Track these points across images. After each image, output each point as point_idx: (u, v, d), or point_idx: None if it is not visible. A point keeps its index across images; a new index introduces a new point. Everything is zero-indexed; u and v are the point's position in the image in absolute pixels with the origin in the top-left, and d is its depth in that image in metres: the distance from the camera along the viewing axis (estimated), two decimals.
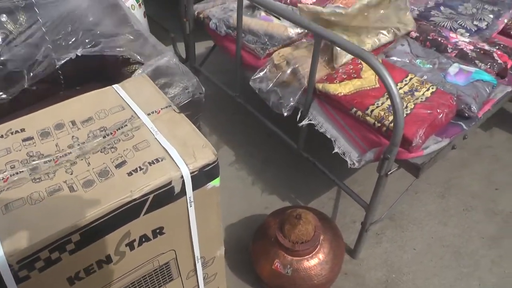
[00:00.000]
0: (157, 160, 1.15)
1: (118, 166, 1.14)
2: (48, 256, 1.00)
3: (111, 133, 1.23)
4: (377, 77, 1.76)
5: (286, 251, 1.76)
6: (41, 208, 1.03)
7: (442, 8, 2.44)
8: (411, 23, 2.19)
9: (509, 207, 2.33)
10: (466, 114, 1.82)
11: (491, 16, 2.35)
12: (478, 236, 2.19)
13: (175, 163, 1.14)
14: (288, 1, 2.44)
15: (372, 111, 1.69)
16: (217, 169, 1.21)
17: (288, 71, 1.94)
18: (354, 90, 1.80)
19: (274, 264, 1.75)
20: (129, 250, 1.18)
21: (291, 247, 1.73)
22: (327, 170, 2.02)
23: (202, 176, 1.17)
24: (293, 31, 2.15)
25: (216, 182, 1.24)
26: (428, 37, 2.17)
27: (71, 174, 1.12)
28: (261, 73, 2.05)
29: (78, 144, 1.21)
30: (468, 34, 2.25)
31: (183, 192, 1.16)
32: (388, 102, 1.71)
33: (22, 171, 1.12)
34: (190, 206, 1.21)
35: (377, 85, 1.80)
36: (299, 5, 1.99)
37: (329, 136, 1.85)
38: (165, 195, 1.14)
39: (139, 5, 2.75)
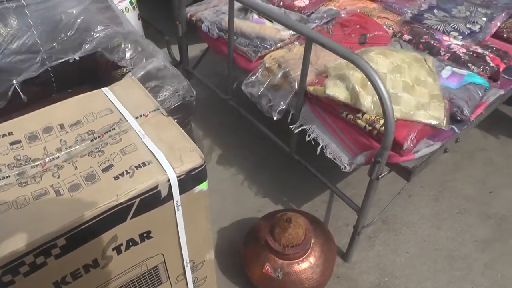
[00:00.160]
0: (143, 164, 1.14)
1: (105, 170, 1.13)
2: (33, 260, 1.00)
3: (99, 137, 1.23)
4: None
5: (277, 255, 1.75)
6: (26, 212, 1.03)
7: (435, 11, 2.44)
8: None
9: (503, 210, 2.33)
10: (458, 118, 1.81)
11: (484, 19, 2.35)
12: (471, 240, 2.19)
13: (162, 167, 1.13)
14: (281, 3, 2.44)
15: (363, 114, 1.69)
16: (205, 173, 1.20)
17: (279, 75, 1.93)
18: None
19: (265, 268, 1.75)
20: (116, 254, 1.18)
21: (282, 251, 1.72)
22: (320, 173, 2.01)
23: (189, 180, 1.17)
24: (285, 33, 2.15)
25: (203, 186, 1.23)
26: (421, 40, 2.17)
27: (58, 178, 1.12)
28: (253, 77, 2.04)
29: (66, 148, 1.20)
30: (461, 37, 2.25)
31: (170, 196, 1.16)
32: None
33: (9, 176, 1.11)
34: (178, 210, 1.21)
35: None
36: None
37: (320, 142, 1.85)
38: (152, 199, 1.13)
39: (133, 7, 2.75)
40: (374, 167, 1.60)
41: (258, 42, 2.14)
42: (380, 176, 1.65)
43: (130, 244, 1.19)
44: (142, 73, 1.70)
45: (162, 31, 3.37)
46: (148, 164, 1.14)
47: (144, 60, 1.76)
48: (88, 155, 1.18)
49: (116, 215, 1.08)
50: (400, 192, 2.08)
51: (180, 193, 1.17)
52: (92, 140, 1.22)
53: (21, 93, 1.73)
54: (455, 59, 2.07)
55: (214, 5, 2.50)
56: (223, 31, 2.25)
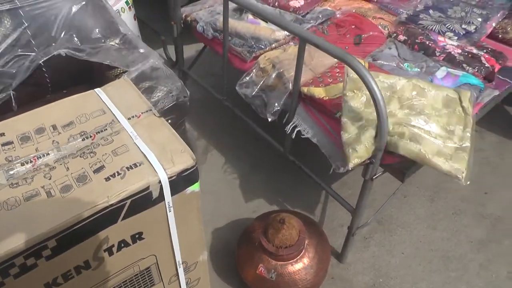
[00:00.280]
0: (135, 165, 1.14)
1: (97, 171, 1.13)
2: (23, 262, 0.99)
3: (90, 136, 1.22)
4: None
5: (270, 256, 1.75)
6: (17, 213, 1.02)
7: (431, 11, 2.44)
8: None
9: (498, 210, 2.33)
10: None
11: (480, 19, 2.35)
12: (466, 240, 2.19)
13: (153, 168, 1.13)
14: (276, 4, 2.44)
15: None
16: (196, 174, 1.20)
17: (274, 75, 1.93)
18: (339, 94, 1.79)
19: (258, 269, 1.74)
20: (108, 255, 1.17)
21: (275, 252, 1.72)
22: (315, 173, 2.01)
23: (180, 181, 1.17)
24: (280, 34, 2.15)
25: (195, 187, 1.23)
26: (416, 41, 2.18)
27: (50, 179, 1.11)
28: (247, 78, 2.04)
29: (58, 149, 1.20)
30: (457, 38, 2.25)
31: (161, 197, 1.15)
32: None
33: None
34: (169, 211, 1.20)
35: None
36: None
37: (315, 141, 1.85)
38: (143, 200, 1.13)
39: (129, 7, 2.74)
40: (368, 168, 1.60)
41: (253, 43, 2.14)
42: (374, 177, 1.65)
43: (122, 245, 1.18)
44: (136, 73, 1.69)
45: (158, 31, 3.37)
46: (140, 165, 1.14)
47: (138, 61, 1.76)
48: (80, 156, 1.17)
49: (107, 216, 1.08)
50: (395, 192, 2.07)
51: (172, 194, 1.17)
52: (83, 140, 1.21)
53: (13, 101, 1.72)
54: (450, 60, 2.07)
55: (209, 5, 2.50)
56: (218, 32, 2.25)
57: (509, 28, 2.36)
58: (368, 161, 1.59)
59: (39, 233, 0.98)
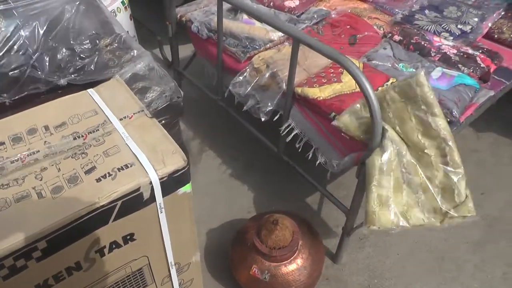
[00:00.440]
0: (126, 166, 1.13)
1: (88, 172, 1.13)
2: (13, 263, 0.99)
3: (81, 136, 1.22)
4: None
5: (264, 257, 1.74)
6: (7, 215, 1.02)
7: (426, 11, 2.44)
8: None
9: (494, 211, 2.33)
10: (448, 119, 1.80)
11: (476, 19, 2.35)
12: (462, 241, 2.18)
13: (144, 169, 1.13)
14: (271, 4, 2.43)
15: None
16: (188, 175, 1.19)
17: (267, 75, 1.93)
18: (333, 94, 1.78)
19: (252, 270, 1.74)
20: (100, 256, 1.17)
21: (268, 253, 1.72)
22: (311, 173, 2.00)
23: (171, 182, 1.16)
24: (274, 34, 2.14)
25: (187, 188, 1.22)
26: (412, 41, 2.17)
27: (41, 180, 1.11)
28: (241, 77, 2.04)
29: (50, 148, 1.19)
30: (452, 38, 2.24)
31: (152, 198, 1.15)
32: None
33: None
34: (161, 212, 1.20)
35: (357, 89, 1.78)
36: None
37: (312, 143, 1.84)
38: (134, 201, 1.12)
39: (125, 8, 2.73)
40: (362, 169, 1.60)
41: (247, 43, 2.14)
42: None
43: (114, 246, 1.18)
44: (129, 74, 1.69)
45: (154, 31, 3.37)
46: (131, 166, 1.13)
47: (131, 61, 1.75)
48: (71, 157, 1.17)
49: (98, 218, 1.08)
50: None
51: (163, 196, 1.17)
52: (75, 139, 1.21)
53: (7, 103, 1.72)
54: (445, 60, 2.07)
55: (204, 6, 2.50)
56: (212, 32, 2.24)
57: (505, 28, 2.35)
58: (361, 162, 1.58)
59: (29, 234, 0.98)
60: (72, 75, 1.71)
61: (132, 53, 1.79)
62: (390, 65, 2.02)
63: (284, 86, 1.85)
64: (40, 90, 1.77)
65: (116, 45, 1.84)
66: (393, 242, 2.16)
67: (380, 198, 1.52)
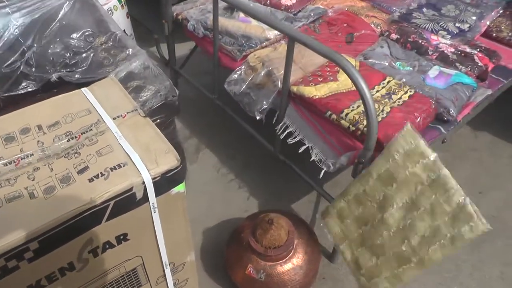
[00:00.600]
0: (119, 166, 1.13)
1: (80, 172, 1.12)
2: (4, 264, 0.98)
3: (75, 137, 1.21)
4: None
5: (259, 256, 1.73)
6: None
7: (424, 9, 2.43)
8: None
9: (492, 210, 2.32)
10: (445, 118, 1.81)
11: (474, 18, 2.35)
12: None
13: (137, 168, 1.12)
14: (268, 2, 2.42)
15: (347, 114, 1.67)
16: (181, 174, 1.18)
17: (262, 73, 1.92)
18: (329, 93, 1.78)
19: (247, 269, 1.73)
20: (93, 257, 1.17)
21: (264, 252, 1.71)
22: (307, 172, 1.99)
23: (164, 182, 1.15)
24: (271, 32, 2.13)
25: (181, 188, 1.22)
26: (409, 39, 2.16)
27: (33, 180, 1.10)
28: (236, 75, 2.03)
29: (43, 150, 1.18)
30: (450, 36, 2.24)
31: (145, 198, 1.14)
32: None
33: None
34: (154, 212, 1.19)
35: (353, 88, 1.77)
36: None
37: (306, 143, 1.84)
38: (127, 202, 1.12)
39: (122, 5, 2.72)
40: (357, 168, 1.59)
41: (243, 41, 2.13)
42: None
43: (107, 246, 1.18)
44: (124, 73, 1.68)
45: (151, 29, 3.35)
46: (124, 166, 1.13)
47: (126, 60, 1.74)
48: (64, 157, 1.16)
49: (91, 218, 1.07)
50: None
51: (156, 195, 1.16)
52: (68, 140, 1.20)
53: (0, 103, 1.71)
54: (443, 59, 2.06)
55: (201, 3, 2.48)
56: (209, 30, 2.23)
57: (503, 27, 2.35)
58: (357, 161, 1.58)
59: (21, 235, 0.97)
60: (64, 71, 1.71)
61: (127, 52, 1.79)
62: (387, 64, 2.01)
63: (279, 85, 1.84)
64: (34, 88, 1.77)
65: (111, 43, 1.83)
66: None
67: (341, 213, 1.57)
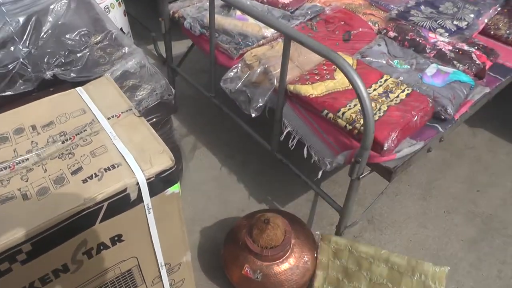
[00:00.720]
0: (113, 167, 1.12)
1: (74, 172, 1.11)
2: None
3: (70, 138, 1.20)
4: None
5: (256, 256, 1.72)
6: None
7: (422, 7, 2.42)
8: None
9: (489, 209, 2.32)
10: (442, 116, 1.79)
11: (472, 15, 2.34)
12: (457, 239, 2.17)
13: (131, 169, 1.11)
14: (265, 0, 2.41)
15: (343, 113, 1.66)
16: (175, 175, 1.18)
17: (258, 71, 1.91)
18: (326, 91, 1.77)
19: (244, 269, 1.72)
20: (87, 258, 1.16)
21: (260, 252, 1.70)
22: (305, 171, 1.98)
23: (159, 183, 1.15)
24: (268, 30, 2.12)
25: (175, 188, 1.21)
26: (407, 37, 2.15)
27: (27, 181, 1.09)
28: (232, 73, 2.02)
29: (37, 150, 1.18)
30: (448, 34, 2.23)
31: (140, 199, 1.14)
32: None
33: None
34: (149, 213, 1.19)
35: (350, 87, 1.76)
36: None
37: (304, 141, 1.83)
38: (121, 202, 1.11)
39: (119, 3, 2.71)
40: (354, 167, 1.58)
41: (240, 39, 2.11)
42: (360, 176, 1.62)
43: (101, 248, 1.17)
44: (120, 72, 1.67)
45: (149, 27, 3.34)
46: (118, 166, 1.12)
47: (122, 59, 1.74)
48: (58, 157, 1.16)
49: (84, 219, 1.06)
50: (383, 192, 2.05)
51: (151, 196, 1.15)
52: (63, 142, 1.19)
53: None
54: (440, 57, 2.05)
55: (198, 1, 2.47)
56: (205, 28, 2.22)
57: (501, 24, 2.34)
58: (354, 160, 1.57)
59: (14, 237, 0.97)
60: (59, 69, 1.70)
61: (123, 51, 1.78)
62: (384, 62, 2.00)
63: (276, 83, 1.83)
64: (30, 87, 1.76)
65: (107, 42, 1.83)
66: (387, 240, 2.14)
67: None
